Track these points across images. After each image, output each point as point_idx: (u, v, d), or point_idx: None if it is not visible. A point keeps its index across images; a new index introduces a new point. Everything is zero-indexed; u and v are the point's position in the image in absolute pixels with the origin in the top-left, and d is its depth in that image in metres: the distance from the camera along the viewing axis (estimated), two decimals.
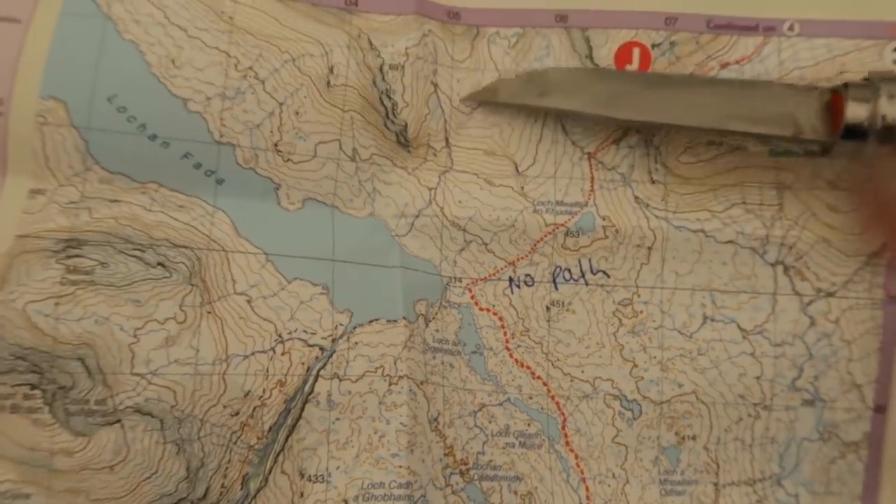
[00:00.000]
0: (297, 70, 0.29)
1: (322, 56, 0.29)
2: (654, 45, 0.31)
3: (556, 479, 0.30)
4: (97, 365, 0.27)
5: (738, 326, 0.30)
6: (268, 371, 0.28)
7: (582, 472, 0.30)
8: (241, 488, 0.28)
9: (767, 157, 0.31)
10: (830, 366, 0.30)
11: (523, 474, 0.30)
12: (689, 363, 0.30)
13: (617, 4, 0.31)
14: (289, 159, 0.29)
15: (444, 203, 0.30)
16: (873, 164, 0.29)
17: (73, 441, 0.26)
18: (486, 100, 0.31)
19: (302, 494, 0.28)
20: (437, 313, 0.30)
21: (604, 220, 0.30)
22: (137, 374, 0.27)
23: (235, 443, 0.28)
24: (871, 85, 0.27)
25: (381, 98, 0.30)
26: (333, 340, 0.29)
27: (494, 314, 0.31)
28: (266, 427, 0.28)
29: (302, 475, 0.28)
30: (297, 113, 0.29)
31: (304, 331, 0.29)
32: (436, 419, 0.30)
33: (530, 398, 0.30)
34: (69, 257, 0.27)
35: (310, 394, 0.28)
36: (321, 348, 0.29)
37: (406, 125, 0.30)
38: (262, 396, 0.28)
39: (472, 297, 0.31)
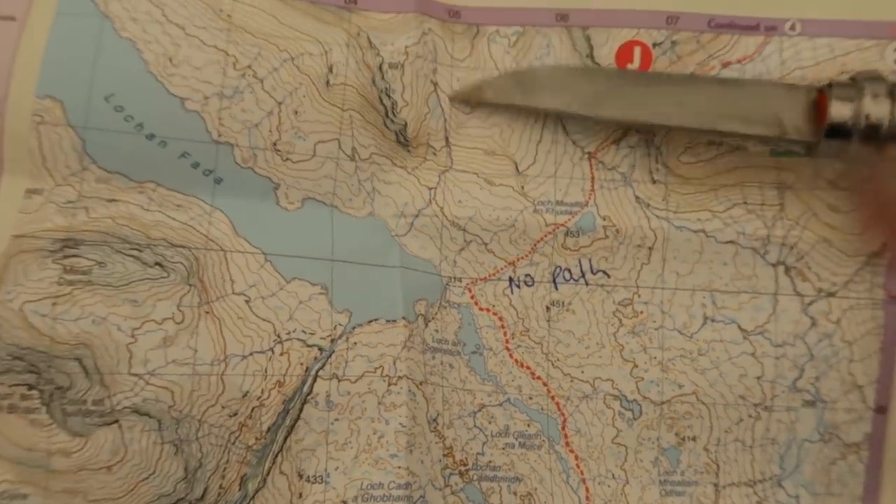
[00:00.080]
0: (296, 69, 0.29)
1: (321, 55, 0.29)
2: (655, 45, 0.31)
3: (555, 480, 0.30)
4: (94, 365, 0.26)
5: (739, 327, 0.30)
6: (266, 371, 0.28)
7: (582, 472, 0.30)
8: (240, 489, 0.28)
9: (768, 156, 0.30)
10: (831, 366, 0.30)
11: (523, 475, 0.30)
12: (690, 364, 0.30)
13: (618, 3, 0.31)
14: (287, 158, 0.29)
15: (444, 203, 0.30)
16: (874, 164, 0.29)
17: (71, 441, 0.26)
18: (472, 99, 0.30)
19: (300, 495, 0.28)
20: (436, 313, 0.30)
21: (604, 220, 0.30)
22: (135, 375, 0.27)
23: (234, 443, 0.28)
24: (856, 84, 0.27)
25: (380, 97, 0.30)
26: (332, 341, 0.29)
27: (494, 314, 0.31)
28: (264, 427, 0.28)
29: (300, 476, 0.28)
30: (296, 112, 0.29)
31: (303, 331, 0.28)
32: (435, 420, 0.30)
33: (530, 398, 0.30)
34: (66, 257, 0.27)
35: (308, 394, 0.28)
36: (320, 348, 0.29)
37: (405, 124, 0.30)
38: (260, 397, 0.28)
39: (472, 297, 0.31)
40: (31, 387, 0.26)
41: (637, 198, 0.31)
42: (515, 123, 0.31)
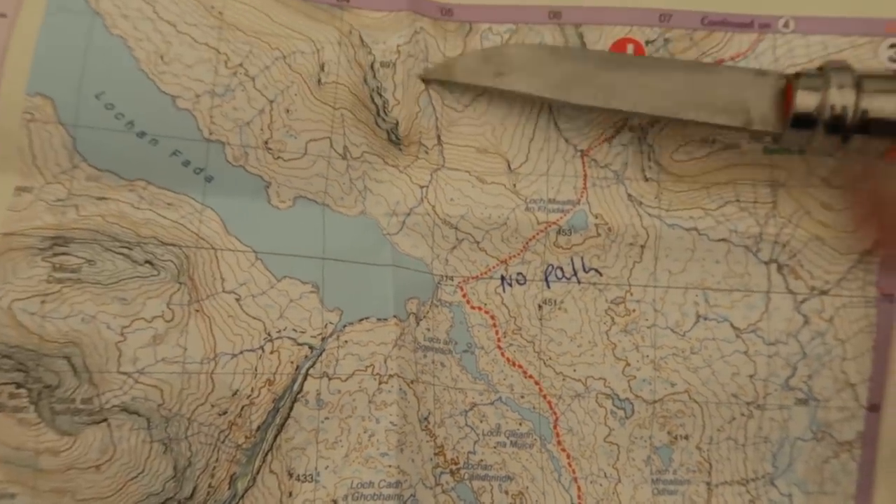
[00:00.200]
0: (288, 67, 0.29)
1: (313, 53, 0.29)
2: (648, 42, 0.31)
3: (547, 479, 0.30)
4: (83, 363, 0.26)
5: (732, 325, 0.30)
6: (256, 370, 0.28)
7: (574, 471, 0.30)
8: (229, 488, 0.28)
9: (761, 154, 0.30)
10: (824, 364, 0.30)
11: (514, 474, 0.30)
12: (682, 362, 0.30)
13: (611, 1, 0.31)
14: (279, 157, 0.29)
15: (436, 201, 0.30)
16: (868, 163, 0.29)
17: (59, 440, 0.26)
18: (442, 78, 0.30)
19: (290, 494, 0.28)
20: (428, 312, 0.30)
21: (596, 217, 0.30)
22: (124, 373, 0.27)
23: (223, 442, 0.27)
24: (823, 74, 0.27)
25: (371, 95, 0.30)
26: (323, 339, 0.29)
27: (486, 313, 0.31)
28: (254, 426, 0.28)
29: (290, 475, 0.28)
30: (288, 110, 0.29)
31: (294, 329, 0.28)
32: (426, 418, 0.29)
33: (522, 397, 0.30)
34: (56, 255, 0.27)
35: (299, 393, 0.28)
36: (310, 347, 0.28)
37: (397, 123, 0.30)
38: (250, 395, 0.28)
39: (464, 296, 0.31)
40: (19, 385, 0.26)
41: (629, 196, 0.30)
42: (508, 121, 0.31)
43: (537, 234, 0.30)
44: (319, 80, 0.29)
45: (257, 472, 0.28)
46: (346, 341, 0.29)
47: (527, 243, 0.30)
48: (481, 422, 0.30)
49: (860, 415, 0.30)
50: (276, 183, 0.29)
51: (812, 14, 0.30)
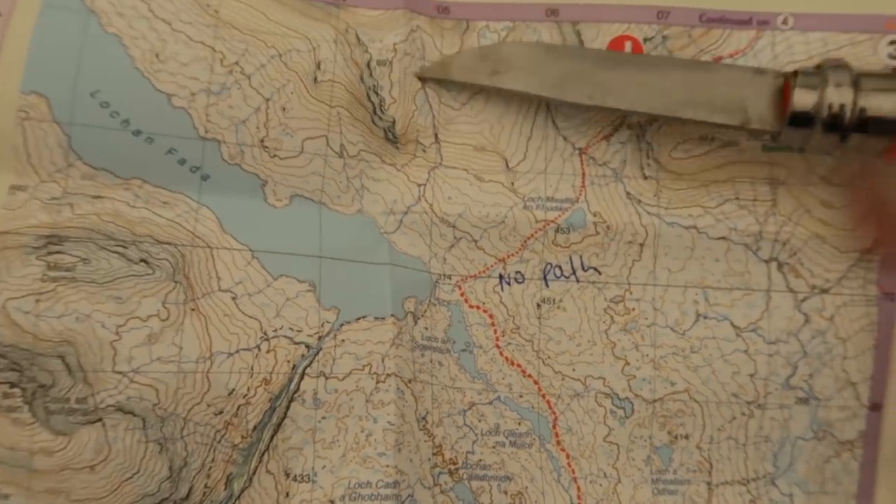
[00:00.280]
0: (284, 65, 0.29)
1: (309, 51, 0.29)
2: (646, 39, 0.30)
3: (546, 479, 0.30)
4: (78, 363, 0.26)
5: (732, 324, 0.30)
6: (252, 369, 0.28)
7: (573, 471, 0.30)
8: (225, 488, 0.27)
9: (760, 152, 0.30)
10: (825, 363, 0.29)
11: (513, 474, 0.30)
12: (682, 361, 0.30)
13: None
14: (275, 155, 0.29)
15: (434, 199, 0.30)
16: (866, 162, 0.28)
17: (54, 440, 0.26)
18: (438, 77, 0.30)
19: (287, 494, 0.28)
20: (426, 311, 0.30)
21: (595, 216, 0.30)
22: (119, 372, 0.26)
23: (219, 442, 0.27)
24: (821, 73, 0.27)
25: (368, 94, 0.30)
26: (320, 338, 0.28)
27: (484, 311, 0.30)
28: (251, 426, 0.28)
29: (287, 475, 0.28)
30: (284, 109, 0.29)
31: (290, 328, 0.28)
32: (424, 418, 0.29)
33: (521, 397, 0.30)
34: (50, 254, 0.27)
35: (295, 392, 0.28)
36: (307, 346, 0.28)
37: (394, 121, 0.30)
38: (246, 395, 0.27)
39: (462, 295, 0.30)
40: (13, 385, 0.26)
41: (628, 194, 0.30)
42: (505, 119, 0.31)
43: (535, 232, 0.30)
44: (316, 79, 0.29)
45: (254, 473, 0.28)
46: (343, 340, 0.29)
47: (525, 242, 0.30)
48: (480, 421, 0.30)
49: (861, 414, 0.29)
50: (272, 181, 0.29)
51: (811, 11, 0.30)
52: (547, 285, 0.30)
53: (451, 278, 0.30)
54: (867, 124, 0.26)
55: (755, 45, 0.30)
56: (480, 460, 0.30)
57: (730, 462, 0.30)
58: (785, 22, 0.30)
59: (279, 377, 0.28)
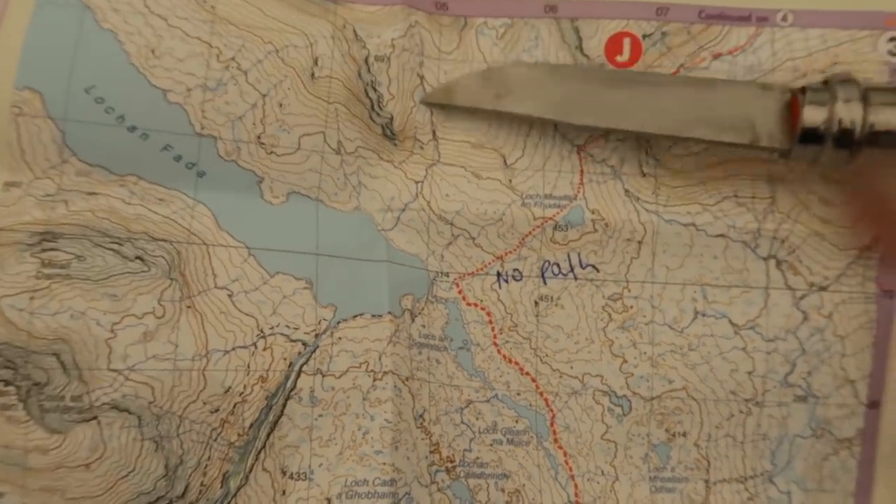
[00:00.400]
0: (281, 61, 0.28)
1: (306, 47, 0.29)
2: (644, 36, 0.30)
3: (544, 477, 0.30)
4: (73, 360, 0.26)
5: (730, 321, 0.30)
6: (249, 367, 0.27)
7: (571, 469, 0.30)
8: (222, 486, 0.27)
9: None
10: (823, 361, 0.29)
11: (511, 472, 0.30)
12: (680, 359, 0.30)
13: None
14: (272, 152, 0.29)
15: (431, 197, 0.30)
16: (865, 162, 0.28)
17: (48, 438, 0.26)
18: (442, 101, 0.30)
19: (284, 492, 0.28)
20: (423, 308, 0.30)
21: (593, 213, 0.30)
22: (114, 370, 0.26)
23: (215, 440, 0.27)
24: (829, 89, 0.27)
25: (366, 90, 0.29)
26: (317, 335, 0.28)
27: (482, 309, 0.30)
28: (247, 424, 0.27)
29: (284, 473, 0.28)
30: (281, 105, 0.28)
31: (287, 326, 0.28)
32: (421, 416, 0.29)
33: (518, 394, 0.30)
34: (44, 251, 0.26)
35: (292, 390, 0.28)
36: (304, 343, 0.28)
37: (392, 118, 0.30)
38: (242, 392, 0.27)
39: (460, 292, 0.30)
40: (7, 382, 0.26)
41: (626, 191, 0.30)
42: (503, 117, 0.30)
43: (533, 229, 0.30)
44: (313, 75, 0.29)
45: (250, 471, 0.27)
46: (340, 338, 0.28)
47: (523, 239, 0.30)
48: (477, 419, 0.30)
49: (860, 411, 0.29)
50: (269, 178, 0.29)
51: (810, 7, 0.30)
52: (545, 283, 0.30)
53: (448, 276, 0.30)
54: (878, 139, 0.26)
55: (754, 41, 0.30)
56: (478, 458, 0.30)
57: (728, 460, 0.30)
58: (784, 18, 0.30)
59: (276, 375, 0.28)
